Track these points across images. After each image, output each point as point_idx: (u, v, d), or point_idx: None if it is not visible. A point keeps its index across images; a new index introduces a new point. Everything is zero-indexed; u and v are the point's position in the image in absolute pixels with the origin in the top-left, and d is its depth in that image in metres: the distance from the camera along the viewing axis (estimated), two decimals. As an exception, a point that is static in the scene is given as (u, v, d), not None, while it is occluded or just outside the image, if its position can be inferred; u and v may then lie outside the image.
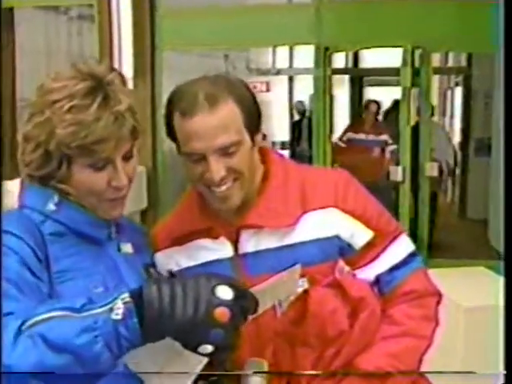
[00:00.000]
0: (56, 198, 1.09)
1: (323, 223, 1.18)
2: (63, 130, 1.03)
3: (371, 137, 5.17)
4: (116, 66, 3.84)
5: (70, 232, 1.09)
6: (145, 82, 3.95)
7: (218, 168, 1.11)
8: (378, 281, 1.21)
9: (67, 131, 1.03)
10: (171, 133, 1.15)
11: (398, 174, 3.90)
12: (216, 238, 1.19)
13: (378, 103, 5.35)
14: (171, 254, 1.23)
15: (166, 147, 4.10)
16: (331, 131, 4.26)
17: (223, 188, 1.13)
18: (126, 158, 1.09)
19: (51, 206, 1.09)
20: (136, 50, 3.99)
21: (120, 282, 1.10)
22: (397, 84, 4.08)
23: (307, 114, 6.66)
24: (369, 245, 1.19)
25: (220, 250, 1.19)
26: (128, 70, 3.90)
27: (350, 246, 1.18)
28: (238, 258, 1.18)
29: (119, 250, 1.14)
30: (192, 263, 1.21)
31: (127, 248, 1.16)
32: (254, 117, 1.15)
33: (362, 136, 5.22)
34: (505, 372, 0.94)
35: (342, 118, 5.96)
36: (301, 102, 6.91)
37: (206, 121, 1.09)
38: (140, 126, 1.10)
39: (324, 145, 4.10)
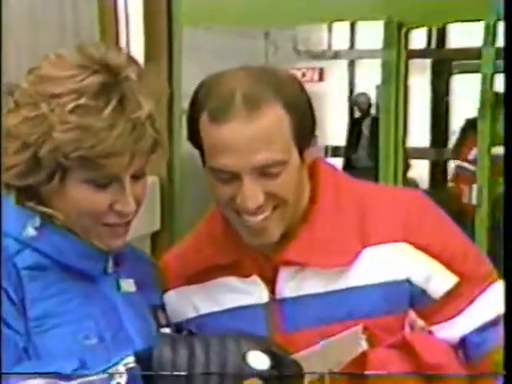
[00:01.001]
0: (37, 221, 1.11)
1: (389, 262, 1.17)
2: (63, 134, 1.05)
3: None
4: (122, 45, 3.88)
5: (54, 265, 1.10)
6: (159, 68, 3.98)
7: (254, 193, 1.11)
8: (463, 342, 1.19)
9: (68, 137, 1.05)
10: (195, 138, 1.16)
11: (471, 194, 3.78)
12: (246, 276, 1.20)
13: None
14: (187, 294, 1.25)
15: (186, 152, 4.11)
16: (405, 134, 4.21)
17: (259, 218, 1.13)
18: (136, 176, 1.11)
19: (30, 231, 1.10)
20: (148, 25, 4.02)
21: (119, 331, 1.12)
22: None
23: (372, 110, 6.61)
24: (451, 293, 1.18)
25: (251, 292, 1.20)
26: (137, 52, 3.94)
27: (424, 293, 1.18)
28: (275, 304, 1.19)
29: (118, 287, 1.16)
30: (214, 309, 1.22)
31: (128, 285, 1.18)
32: (306, 127, 1.15)
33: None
34: (505, 372, 1.03)
35: (420, 116, 5.90)
36: (364, 95, 6.84)
37: (242, 131, 1.09)
38: (160, 137, 1.12)
39: (395, 153, 4.05)
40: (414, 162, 5.35)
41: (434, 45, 6.41)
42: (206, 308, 1.23)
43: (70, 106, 1.05)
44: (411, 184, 5.13)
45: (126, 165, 1.07)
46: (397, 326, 1.17)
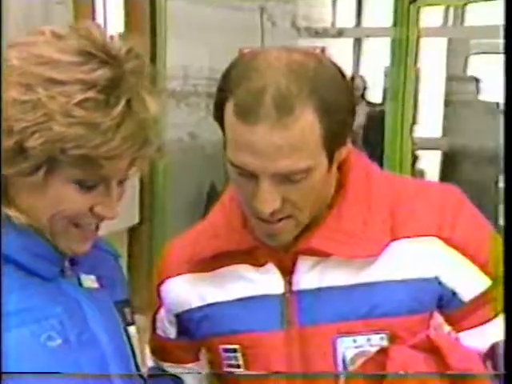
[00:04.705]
0: None
1: (419, 257, 1.18)
2: (66, 128, 1.02)
3: None
4: (100, 19, 3.83)
5: (10, 262, 1.08)
6: (141, 44, 3.92)
7: (270, 197, 1.12)
8: (493, 352, 1.18)
9: (71, 132, 1.02)
10: (219, 120, 1.16)
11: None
12: (261, 264, 1.22)
13: None
14: (194, 281, 1.27)
15: (170, 139, 4.08)
16: (414, 122, 4.22)
17: (273, 221, 1.14)
18: (122, 180, 1.10)
19: None
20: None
21: (84, 330, 1.11)
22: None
23: (368, 96, 6.53)
24: (483, 298, 1.18)
25: (265, 282, 1.22)
26: (116, 24, 3.89)
27: (454, 295, 1.18)
28: (291, 295, 1.20)
29: (80, 284, 1.16)
30: (223, 298, 1.24)
31: (90, 282, 1.18)
32: (340, 131, 1.13)
33: None
34: (505, 372, 1.08)
35: (433, 102, 5.85)
36: (359, 78, 6.78)
37: (268, 136, 1.08)
38: (162, 142, 1.12)
39: (401, 144, 4.01)
40: (423, 153, 5.33)
41: (450, 22, 6.36)
42: (213, 297, 1.25)
43: (78, 97, 1.02)
44: (418, 176, 5.11)
45: (123, 169, 1.07)
46: (421, 328, 1.17)
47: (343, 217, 1.19)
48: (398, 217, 1.19)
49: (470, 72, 6.18)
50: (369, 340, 1.17)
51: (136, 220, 4.15)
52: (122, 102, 1.03)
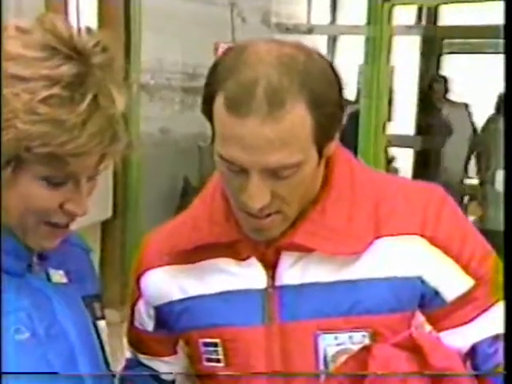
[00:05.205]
0: None
1: (402, 255, 1.18)
2: (30, 125, 1.00)
3: None
4: (73, 12, 3.80)
5: None
6: (115, 37, 3.90)
7: (260, 192, 1.11)
8: (473, 352, 1.19)
9: (36, 129, 1.00)
10: (207, 113, 1.14)
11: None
12: (243, 258, 1.21)
13: None
14: (173, 273, 1.26)
15: (143, 132, 4.07)
16: (389, 119, 4.23)
17: (261, 217, 1.14)
18: (91, 176, 1.09)
19: None
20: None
21: (52, 324, 1.10)
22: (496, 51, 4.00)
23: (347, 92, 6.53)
24: (465, 298, 1.18)
25: (247, 276, 1.21)
26: (90, 17, 3.88)
27: (437, 294, 1.18)
28: (273, 290, 1.20)
29: (49, 279, 1.16)
30: (204, 291, 1.23)
31: (59, 276, 1.17)
32: (330, 125, 1.13)
33: None
34: (505, 372, 1.09)
35: (406, 99, 5.87)
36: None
37: (259, 129, 1.07)
38: (131, 138, 1.10)
39: (375, 140, 4.03)
40: (397, 151, 5.36)
41: (423, 21, 6.41)
42: (194, 289, 1.24)
43: (42, 94, 1.00)
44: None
45: (92, 166, 1.06)
46: (402, 326, 1.17)
47: (327, 212, 1.19)
48: (381, 214, 1.19)
49: (442, 71, 6.24)
50: (351, 337, 1.17)
51: (109, 214, 4.14)
52: (88, 98, 1.01)
